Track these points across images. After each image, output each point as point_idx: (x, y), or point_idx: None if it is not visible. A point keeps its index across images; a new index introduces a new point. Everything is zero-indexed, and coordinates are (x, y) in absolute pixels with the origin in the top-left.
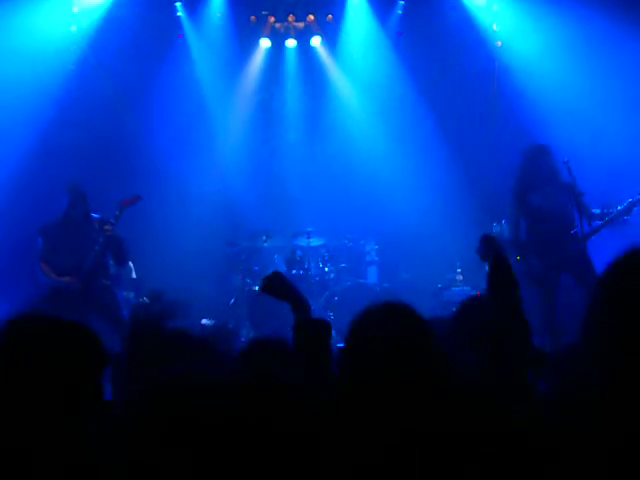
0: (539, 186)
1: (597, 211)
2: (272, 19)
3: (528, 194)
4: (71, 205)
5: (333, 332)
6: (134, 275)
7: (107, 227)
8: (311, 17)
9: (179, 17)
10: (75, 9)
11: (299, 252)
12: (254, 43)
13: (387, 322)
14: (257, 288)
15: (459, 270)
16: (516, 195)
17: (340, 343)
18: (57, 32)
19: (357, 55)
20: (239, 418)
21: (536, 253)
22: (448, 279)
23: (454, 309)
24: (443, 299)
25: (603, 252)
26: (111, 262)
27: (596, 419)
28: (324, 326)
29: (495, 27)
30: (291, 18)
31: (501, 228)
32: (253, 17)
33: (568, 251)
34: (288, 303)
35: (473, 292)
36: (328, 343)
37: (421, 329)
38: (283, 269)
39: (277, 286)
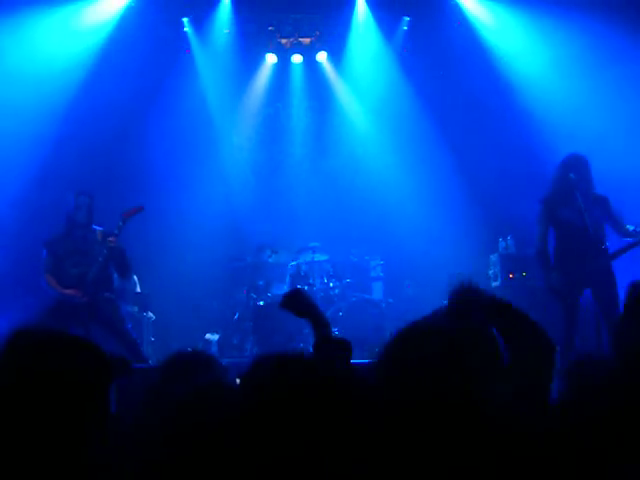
0: (571, 199)
1: (631, 227)
2: (278, 35)
3: (559, 207)
4: (75, 210)
5: None
6: (138, 289)
7: (110, 239)
8: (317, 33)
9: (186, 32)
10: (83, 24)
11: (304, 267)
12: (260, 59)
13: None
14: (262, 303)
15: None
16: (546, 207)
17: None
18: (63, 48)
19: (363, 71)
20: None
21: (561, 267)
22: None
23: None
24: None
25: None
26: (115, 275)
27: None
28: (345, 345)
29: (500, 42)
30: (297, 34)
31: (506, 244)
32: (259, 33)
33: (594, 266)
34: (308, 320)
35: None
36: (349, 362)
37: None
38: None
39: (298, 303)
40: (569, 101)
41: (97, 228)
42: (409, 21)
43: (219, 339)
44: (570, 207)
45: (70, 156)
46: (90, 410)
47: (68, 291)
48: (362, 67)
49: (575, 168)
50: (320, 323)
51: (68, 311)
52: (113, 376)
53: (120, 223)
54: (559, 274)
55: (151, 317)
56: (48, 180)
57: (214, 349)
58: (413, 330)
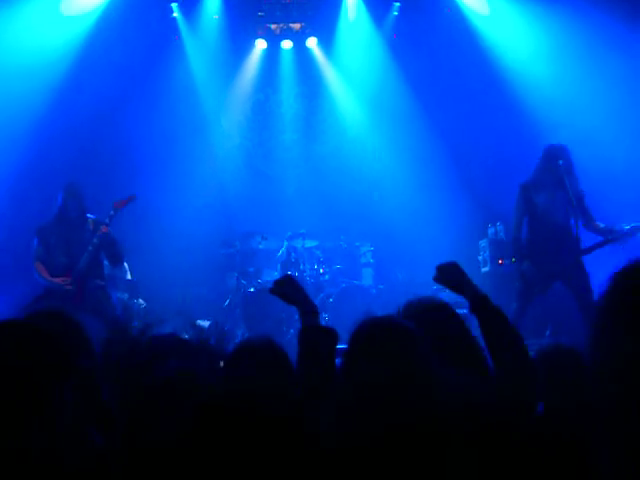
0: (548, 187)
1: (601, 225)
2: (268, 20)
3: (536, 192)
4: (67, 203)
5: None
6: (129, 276)
7: (102, 227)
8: (307, 18)
9: (175, 18)
10: (70, 9)
11: (294, 254)
12: (250, 44)
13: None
14: (252, 289)
15: None
16: (524, 190)
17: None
18: (51, 35)
19: (353, 57)
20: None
21: (532, 256)
22: None
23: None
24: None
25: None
26: (105, 263)
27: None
28: (331, 334)
29: (491, 27)
30: (287, 19)
31: (495, 230)
32: (249, 19)
33: (563, 260)
34: (296, 307)
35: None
36: (334, 351)
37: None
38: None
39: (287, 289)
40: (561, 89)
41: (90, 216)
42: (399, 6)
43: (209, 325)
44: (546, 194)
45: (59, 143)
46: (40, 399)
47: (57, 279)
48: (352, 53)
49: (557, 158)
50: (308, 310)
51: (57, 299)
52: (69, 364)
53: (111, 212)
54: (531, 264)
55: (142, 304)
56: (37, 169)
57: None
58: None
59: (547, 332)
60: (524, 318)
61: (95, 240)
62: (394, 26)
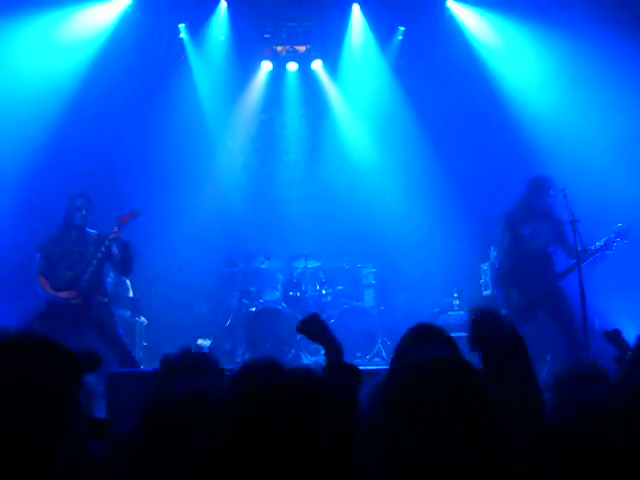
0: (533, 219)
1: (579, 248)
2: (274, 42)
3: (521, 221)
4: (72, 210)
5: None
6: (131, 294)
7: (105, 242)
8: (312, 41)
9: (182, 39)
10: (80, 29)
11: (296, 274)
12: (256, 66)
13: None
14: (254, 309)
15: (456, 295)
16: (509, 219)
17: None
18: (60, 52)
19: (357, 79)
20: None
21: (518, 285)
22: (445, 303)
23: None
24: (439, 323)
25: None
26: (108, 279)
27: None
28: (355, 371)
29: (494, 53)
30: (293, 42)
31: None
32: (255, 40)
33: (545, 287)
34: (321, 345)
35: (470, 317)
36: (357, 388)
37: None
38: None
39: (313, 328)
40: (563, 111)
41: (91, 231)
42: (404, 31)
43: (211, 345)
44: (530, 226)
45: (64, 161)
46: (54, 410)
47: (62, 293)
48: (357, 76)
49: (542, 190)
50: (333, 349)
51: (61, 313)
52: (79, 376)
53: (115, 229)
54: (518, 293)
55: (144, 322)
56: (44, 185)
57: None
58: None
59: (548, 357)
60: None
61: (99, 254)
62: (399, 50)
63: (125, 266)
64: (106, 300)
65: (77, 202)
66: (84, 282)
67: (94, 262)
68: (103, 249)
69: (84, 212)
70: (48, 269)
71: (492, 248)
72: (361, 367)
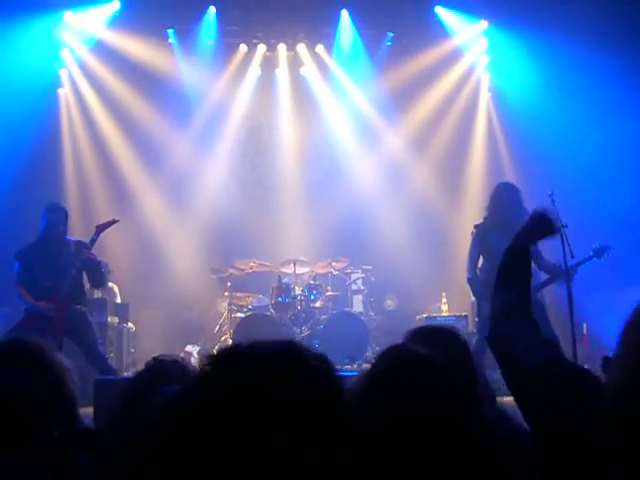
0: (501, 228)
1: (550, 262)
2: (263, 48)
3: (489, 232)
4: (52, 224)
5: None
6: (119, 300)
7: (84, 251)
8: (301, 46)
9: (171, 44)
10: (67, 34)
11: (285, 279)
12: (245, 71)
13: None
14: (243, 315)
15: (444, 300)
16: (477, 232)
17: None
18: (48, 56)
19: (346, 84)
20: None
21: (489, 296)
22: (433, 309)
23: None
24: None
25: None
26: (87, 287)
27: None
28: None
29: (482, 60)
30: (282, 47)
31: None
32: (244, 45)
33: None
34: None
35: (458, 322)
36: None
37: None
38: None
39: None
40: (550, 116)
41: (71, 240)
42: (392, 36)
43: (199, 351)
44: (499, 235)
45: (54, 163)
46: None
47: (41, 303)
48: (345, 81)
49: (506, 197)
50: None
51: (40, 323)
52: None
53: (94, 236)
54: (488, 303)
55: (131, 328)
56: (27, 186)
57: (194, 361)
58: (401, 357)
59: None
60: (484, 354)
61: (78, 263)
62: (387, 55)
63: (96, 281)
64: (85, 309)
65: (55, 217)
66: (62, 292)
67: (72, 271)
68: (78, 263)
69: (62, 227)
70: (27, 278)
71: (480, 255)
72: (351, 372)
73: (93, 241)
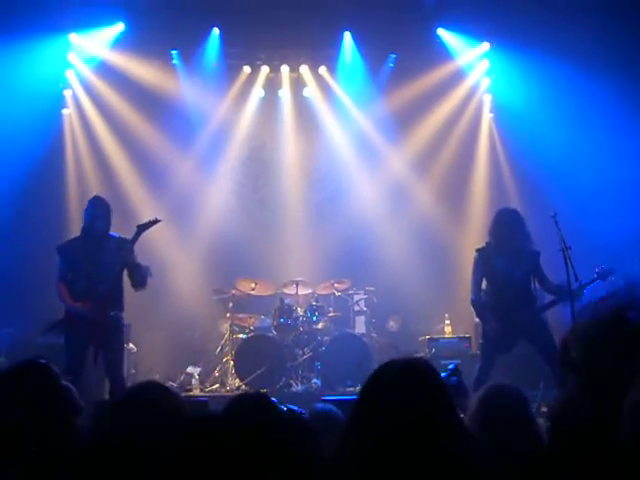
0: (504, 251)
1: (554, 284)
2: (266, 69)
3: (492, 258)
4: (94, 217)
5: (319, 382)
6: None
7: (123, 250)
8: (304, 68)
9: (175, 65)
10: (72, 55)
11: (287, 301)
12: (248, 92)
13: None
14: (244, 336)
15: (447, 321)
16: (480, 255)
17: (326, 395)
18: (53, 76)
19: (348, 105)
20: None
21: (496, 317)
22: (436, 330)
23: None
24: (431, 350)
25: None
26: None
27: None
28: None
29: (484, 82)
30: (285, 69)
31: None
32: (247, 67)
33: (524, 319)
34: None
35: (461, 344)
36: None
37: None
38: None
39: None
40: (553, 137)
41: (114, 235)
42: (395, 58)
43: (201, 372)
44: (503, 259)
45: (49, 186)
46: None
47: (78, 304)
48: (348, 102)
49: (508, 222)
50: None
51: (75, 325)
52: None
53: (135, 236)
54: (496, 323)
55: (132, 349)
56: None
57: (195, 382)
58: (389, 369)
59: (540, 384)
60: (489, 376)
61: (121, 259)
62: (390, 76)
63: (138, 280)
64: (121, 316)
65: (98, 210)
66: (101, 294)
67: (116, 268)
68: (121, 261)
69: (104, 219)
70: (67, 274)
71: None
72: (352, 395)
73: (134, 241)
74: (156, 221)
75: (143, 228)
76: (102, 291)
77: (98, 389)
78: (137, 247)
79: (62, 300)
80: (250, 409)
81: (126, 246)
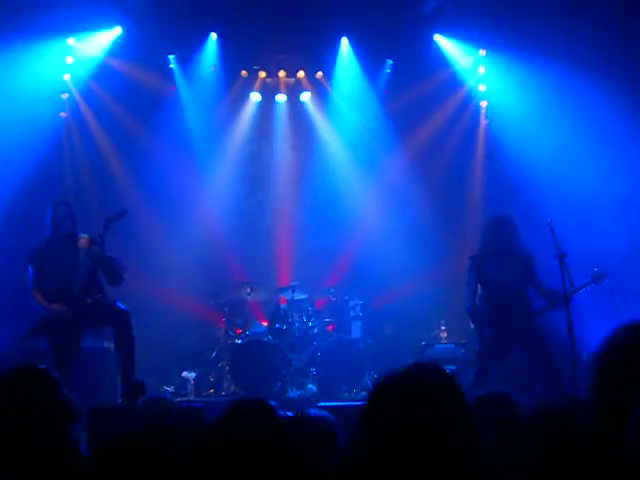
0: (497, 258)
1: (547, 288)
2: (263, 74)
3: (485, 264)
4: (57, 219)
5: (315, 388)
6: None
7: (94, 247)
8: (301, 73)
9: (172, 69)
10: (69, 59)
11: (283, 306)
12: (245, 97)
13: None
14: (240, 341)
15: (443, 327)
16: (474, 262)
17: (322, 401)
18: (51, 80)
19: (345, 111)
20: None
21: (491, 324)
22: (432, 336)
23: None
24: (427, 356)
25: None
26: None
27: None
28: None
29: (480, 88)
30: (282, 74)
31: None
32: (244, 71)
33: (519, 325)
34: None
35: (457, 350)
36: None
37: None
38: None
39: None
40: (549, 143)
41: (82, 235)
42: (392, 64)
43: (196, 377)
44: (495, 265)
45: (50, 184)
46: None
47: (54, 306)
48: (345, 108)
49: (501, 229)
50: None
51: (56, 325)
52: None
53: (102, 231)
54: (491, 330)
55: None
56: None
57: (190, 387)
58: (395, 380)
59: (537, 389)
60: (485, 382)
61: (88, 261)
62: (386, 82)
63: (111, 278)
64: (100, 295)
65: (59, 211)
66: (74, 294)
67: (82, 270)
68: (89, 261)
69: (70, 220)
70: (40, 281)
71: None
72: (347, 402)
73: (102, 236)
74: (123, 213)
75: (110, 222)
76: (74, 290)
77: (111, 395)
78: (132, 251)
79: (39, 305)
80: (250, 416)
81: (96, 241)
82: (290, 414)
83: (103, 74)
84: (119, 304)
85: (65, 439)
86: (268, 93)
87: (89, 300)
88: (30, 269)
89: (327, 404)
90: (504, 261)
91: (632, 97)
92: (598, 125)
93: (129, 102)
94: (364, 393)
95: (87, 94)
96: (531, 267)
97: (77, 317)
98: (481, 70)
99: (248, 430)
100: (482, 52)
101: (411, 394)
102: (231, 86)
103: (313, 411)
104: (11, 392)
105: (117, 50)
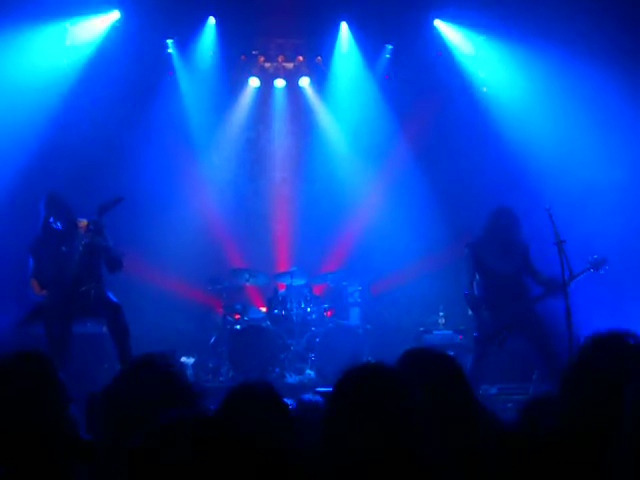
0: (495, 246)
1: (544, 276)
2: (262, 59)
3: (484, 250)
4: (49, 216)
5: (313, 373)
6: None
7: (88, 233)
8: (300, 58)
9: (170, 54)
10: (68, 42)
11: (282, 292)
12: (243, 82)
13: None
14: (239, 327)
15: (442, 313)
16: (472, 249)
17: (320, 387)
18: (49, 64)
19: (344, 96)
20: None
21: (489, 310)
22: (430, 322)
23: None
24: (425, 342)
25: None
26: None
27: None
28: None
29: (481, 73)
30: (281, 59)
31: None
32: (243, 56)
33: (516, 312)
34: None
35: (455, 336)
36: None
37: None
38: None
39: None
40: (549, 127)
41: (81, 219)
42: (391, 49)
43: (194, 362)
44: (494, 255)
45: (50, 169)
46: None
47: (43, 292)
48: (344, 93)
49: (502, 221)
50: None
51: (46, 312)
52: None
53: (96, 217)
54: (489, 316)
55: None
56: (31, 187)
57: (189, 372)
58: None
59: (534, 376)
60: (482, 369)
61: (81, 248)
62: (386, 67)
63: (110, 265)
64: (94, 284)
65: (51, 203)
66: (66, 279)
67: (76, 257)
68: (81, 248)
69: (62, 211)
70: (38, 271)
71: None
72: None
73: (96, 222)
74: (119, 199)
75: (105, 208)
76: (68, 274)
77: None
78: (130, 237)
79: (34, 293)
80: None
81: (90, 227)
82: (289, 400)
83: (102, 58)
84: (112, 296)
85: (62, 423)
86: (267, 78)
87: (83, 288)
88: (30, 260)
89: (325, 390)
90: (501, 248)
91: (634, 79)
92: (599, 109)
93: (127, 87)
94: None
95: (85, 77)
96: (527, 255)
97: (69, 304)
98: (481, 55)
99: (257, 422)
100: (482, 37)
101: (368, 391)
102: (230, 71)
103: (307, 396)
104: (7, 376)
105: (115, 34)
